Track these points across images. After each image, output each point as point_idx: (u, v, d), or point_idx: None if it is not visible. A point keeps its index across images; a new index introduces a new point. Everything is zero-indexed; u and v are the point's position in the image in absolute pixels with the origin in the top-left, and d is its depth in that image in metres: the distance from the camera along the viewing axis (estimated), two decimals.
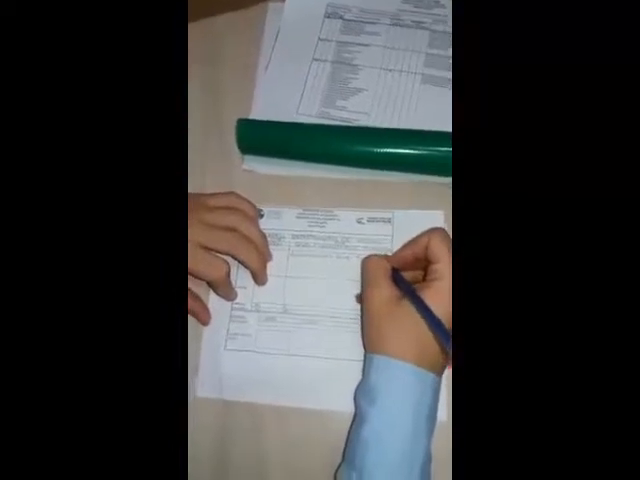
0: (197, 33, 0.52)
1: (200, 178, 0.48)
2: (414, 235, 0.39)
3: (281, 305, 0.43)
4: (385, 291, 0.37)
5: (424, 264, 0.38)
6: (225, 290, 0.42)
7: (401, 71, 0.51)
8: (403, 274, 0.39)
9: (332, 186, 0.46)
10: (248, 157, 0.48)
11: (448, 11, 0.53)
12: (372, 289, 0.38)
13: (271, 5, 0.54)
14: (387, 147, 0.45)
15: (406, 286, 0.37)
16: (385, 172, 0.46)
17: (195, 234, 0.39)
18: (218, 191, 0.44)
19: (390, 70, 0.51)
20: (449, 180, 0.43)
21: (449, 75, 0.50)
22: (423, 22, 0.53)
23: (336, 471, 0.37)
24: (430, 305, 0.34)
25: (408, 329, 0.35)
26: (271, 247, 0.44)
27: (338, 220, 0.45)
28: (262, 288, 0.43)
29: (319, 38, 0.53)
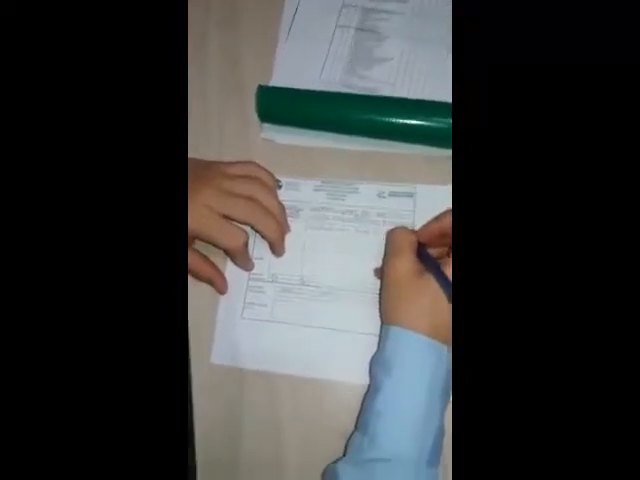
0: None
1: (217, 146, 0.47)
2: (437, 211, 0.38)
3: (298, 277, 0.43)
4: (408, 263, 0.37)
5: (450, 240, 0.38)
6: (242, 260, 0.42)
7: (428, 40, 0.50)
8: (429, 250, 0.38)
9: (353, 158, 0.46)
10: (267, 126, 0.48)
11: None
12: (395, 260, 0.38)
13: None
14: (412, 118, 0.43)
15: (431, 261, 0.37)
16: (408, 145, 0.45)
17: (214, 201, 0.39)
18: (236, 160, 0.44)
19: (416, 39, 0.50)
20: None
21: None
22: None
23: (348, 439, 0.37)
24: None
25: (427, 303, 0.35)
26: (289, 219, 0.43)
27: (358, 193, 0.44)
28: (279, 260, 0.43)
29: (343, 4, 0.52)
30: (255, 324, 0.42)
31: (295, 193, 0.45)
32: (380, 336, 0.38)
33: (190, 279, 0.42)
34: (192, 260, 0.41)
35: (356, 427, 0.37)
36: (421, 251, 0.38)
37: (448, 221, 0.37)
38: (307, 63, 0.50)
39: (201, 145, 0.47)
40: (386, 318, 0.37)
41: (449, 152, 0.44)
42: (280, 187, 0.44)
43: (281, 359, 0.41)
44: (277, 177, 0.44)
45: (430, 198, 0.43)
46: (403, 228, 0.40)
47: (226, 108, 0.49)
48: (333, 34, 0.51)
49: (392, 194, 0.44)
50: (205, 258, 0.42)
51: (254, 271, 0.43)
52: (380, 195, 0.44)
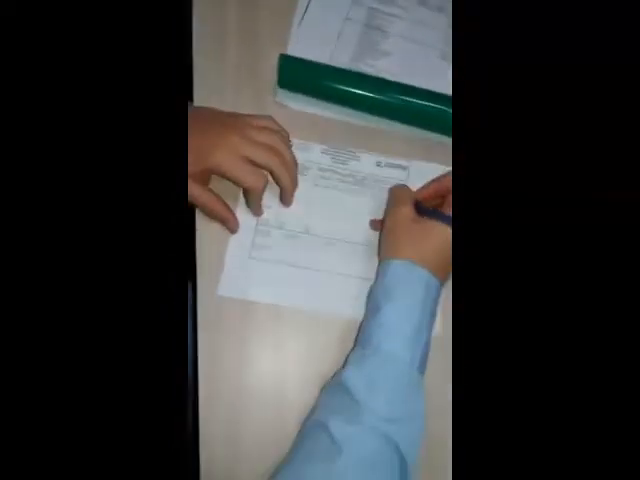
0: None
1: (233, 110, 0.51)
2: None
3: (303, 226, 0.48)
4: (406, 210, 0.44)
5: (440, 201, 0.45)
6: (257, 203, 0.47)
7: (424, 44, 0.57)
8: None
9: (356, 130, 0.52)
10: (281, 92, 0.52)
11: None
12: (395, 208, 0.45)
13: None
14: (415, 100, 0.50)
15: (426, 209, 0.44)
16: (407, 126, 0.52)
17: (240, 145, 0.43)
18: None
19: (415, 42, 0.57)
20: None
21: None
22: (444, 7, 0.59)
23: (348, 355, 0.43)
24: None
25: (424, 240, 0.43)
26: (298, 176, 0.49)
27: (358, 160, 0.51)
28: (287, 210, 0.49)
29: (352, 1, 0.58)
30: (262, 263, 0.47)
31: (304, 154, 0.50)
32: (378, 272, 0.45)
33: (203, 218, 0.46)
34: (207, 199, 0.44)
35: (355, 345, 0.43)
36: (417, 204, 0.45)
37: (446, 183, 0.45)
38: (317, 49, 0.54)
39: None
40: (386, 255, 0.44)
41: (440, 138, 0.51)
42: (291, 147, 0.49)
43: (284, 293, 0.47)
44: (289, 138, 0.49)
45: (421, 173, 0.50)
46: (403, 185, 0.47)
47: (242, 76, 0.53)
48: (342, 26, 0.57)
49: (388, 165, 0.51)
50: (219, 198, 0.45)
51: (263, 217, 0.48)
52: (378, 164, 0.51)
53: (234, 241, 0.47)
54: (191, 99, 0.51)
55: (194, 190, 0.43)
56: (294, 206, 0.49)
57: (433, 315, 0.42)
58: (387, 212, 0.46)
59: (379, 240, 0.47)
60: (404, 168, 0.51)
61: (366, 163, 0.50)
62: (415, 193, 0.47)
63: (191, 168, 0.42)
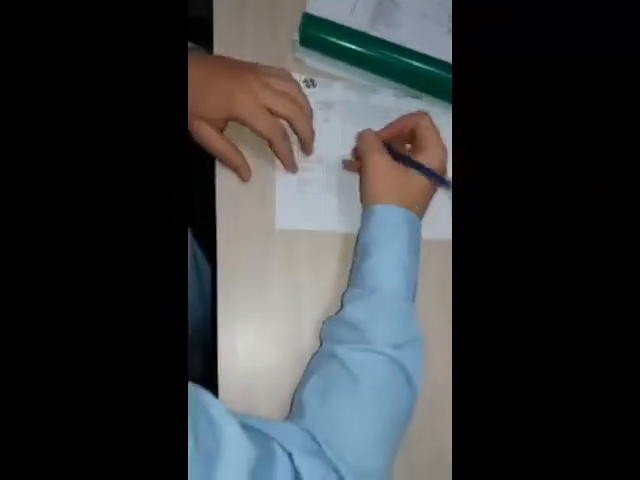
0: None
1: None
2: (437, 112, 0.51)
3: (339, 156, 0.54)
4: (383, 156, 0.47)
5: (406, 139, 0.50)
6: (285, 150, 0.48)
7: (432, 19, 0.63)
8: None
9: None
10: (300, 49, 0.54)
11: None
12: (371, 154, 0.48)
13: None
14: (427, 65, 0.55)
15: (401, 154, 0.48)
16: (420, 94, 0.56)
17: (259, 92, 0.44)
18: None
19: (424, 16, 0.63)
20: None
21: None
22: None
23: (343, 294, 0.47)
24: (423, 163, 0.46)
25: (402, 184, 0.47)
26: (324, 111, 0.54)
27: (378, 94, 0.56)
28: (324, 144, 0.52)
29: None
30: (310, 196, 0.52)
31: (328, 90, 0.55)
32: (362, 217, 0.49)
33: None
34: (222, 147, 0.46)
35: (349, 285, 0.48)
36: (388, 146, 0.49)
37: (410, 123, 0.49)
38: (336, 11, 0.56)
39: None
40: (370, 201, 0.48)
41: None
42: (315, 85, 0.54)
43: (335, 220, 0.52)
44: (312, 77, 0.53)
45: (434, 103, 0.55)
46: (370, 130, 0.51)
47: (261, 33, 0.55)
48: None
49: (405, 95, 0.56)
50: (233, 146, 0.47)
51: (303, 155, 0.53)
52: (396, 95, 0.56)
53: (281, 177, 0.51)
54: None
55: (211, 136, 0.45)
56: (329, 139, 0.53)
57: (418, 248, 0.47)
58: (362, 158, 0.48)
59: (359, 185, 0.50)
60: (419, 97, 0.56)
61: (385, 95, 0.56)
62: (382, 134, 0.50)
63: (212, 114, 0.44)
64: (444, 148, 0.47)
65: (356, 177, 0.52)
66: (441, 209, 0.50)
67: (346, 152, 0.53)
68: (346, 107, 0.56)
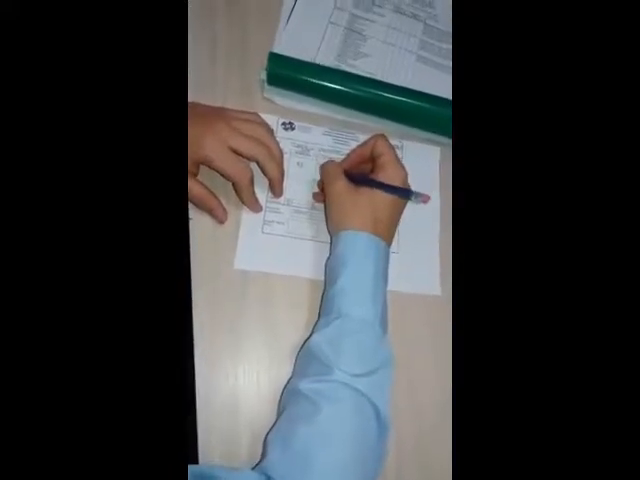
0: None
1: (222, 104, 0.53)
2: (418, 161, 0.51)
3: (310, 202, 0.51)
4: (341, 183, 0.47)
5: (369, 166, 0.50)
6: (248, 196, 0.48)
7: (400, 48, 0.62)
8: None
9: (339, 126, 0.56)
10: (269, 88, 0.54)
11: (438, 11, 0.66)
12: (331, 182, 0.48)
13: None
14: (396, 95, 0.54)
15: (359, 176, 0.48)
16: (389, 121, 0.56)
17: (227, 136, 0.45)
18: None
19: (392, 45, 0.62)
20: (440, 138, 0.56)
21: (439, 60, 0.62)
22: (419, 15, 0.65)
23: (313, 326, 0.46)
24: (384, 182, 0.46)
25: (363, 208, 0.46)
26: (300, 157, 0.52)
27: (357, 141, 0.55)
28: (294, 188, 0.51)
29: (335, 6, 0.63)
30: (274, 237, 0.49)
31: (306, 135, 0.54)
32: (331, 245, 0.48)
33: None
34: (197, 190, 0.46)
35: (319, 316, 0.46)
36: (348, 174, 0.48)
37: (367, 147, 0.49)
38: (302, 50, 0.57)
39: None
40: (335, 229, 0.47)
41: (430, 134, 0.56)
42: (294, 129, 0.52)
43: (296, 264, 0.49)
44: (289, 120, 0.52)
45: (414, 151, 0.55)
46: (331, 160, 0.51)
47: (231, 75, 0.55)
48: (326, 28, 0.61)
49: None
50: (207, 189, 0.47)
51: (271, 197, 0.51)
52: None
53: (246, 218, 0.49)
54: None
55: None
56: (300, 184, 0.52)
57: (385, 274, 0.46)
58: (325, 189, 0.49)
59: (325, 216, 0.50)
60: (398, 148, 0.55)
61: None
62: (344, 163, 0.50)
63: None
64: (402, 166, 0.47)
65: (324, 222, 0.50)
66: (431, 266, 0.51)
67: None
68: (322, 152, 0.54)
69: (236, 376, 0.45)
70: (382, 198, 0.46)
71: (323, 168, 0.50)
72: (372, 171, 0.48)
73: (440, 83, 0.55)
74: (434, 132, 0.56)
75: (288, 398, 0.42)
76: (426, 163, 0.56)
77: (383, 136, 0.49)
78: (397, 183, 0.46)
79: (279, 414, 0.43)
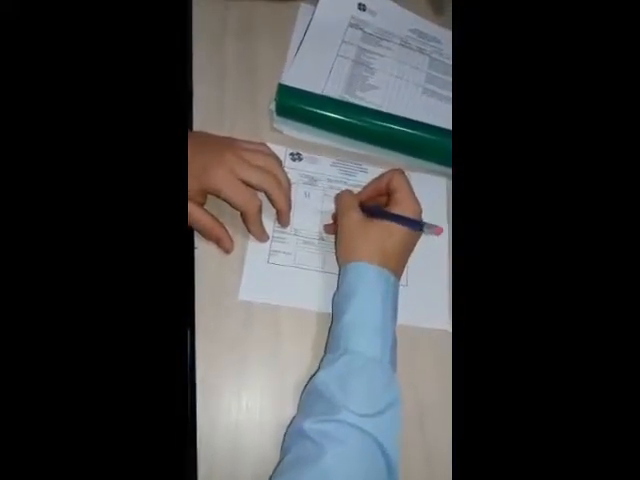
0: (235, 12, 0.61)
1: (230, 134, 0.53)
2: (425, 192, 0.50)
3: (317, 232, 0.51)
4: (355, 214, 0.47)
5: (384, 199, 0.49)
6: (256, 226, 0.48)
7: (407, 80, 0.63)
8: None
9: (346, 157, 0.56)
10: (279, 119, 0.55)
11: (443, 45, 0.66)
12: (345, 213, 0.47)
13: (302, 5, 0.64)
14: (403, 127, 0.55)
15: (373, 207, 0.48)
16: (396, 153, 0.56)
17: (236, 166, 0.45)
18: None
19: (399, 78, 0.63)
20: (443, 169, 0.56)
21: (444, 92, 0.62)
22: (424, 49, 0.66)
23: (320, 361, 0.45)
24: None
25: (374, 240, 0.45)
26: (308, 187, 0.52)
27: (366, 172, 0.55)
28: (301, 218, 0.51)
29: (343, 40, 0.63)
30: (279, 268, 0.48)
31: (314, 166, 0.54)
32: (339, 276, 0.47)
33: None
34: (204, 220, 0.46)
35: (325, 352, 0.45)
36: (362, 206, 0.48)
37: (384, 181, 0.49)
38: (310, 82, 0.58)
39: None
40: (344, 260, 0.46)
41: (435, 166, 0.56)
42: (302, 159, 0.52)
43: (302, 296, 0.48)
44: (297, 150, 0.52)
45: (422, 182, 0.54)
46: (347, 190, 0.51)
47: (240, 105, 0.56)
48: (334, 61, 0.62)
49: None
50: (214, 218, 0.46)
51: (278, 227, 0.50)
52: None
53: (252, 248, 0.49)
54: (191, 126, 0.53)
55: (191, 210, 0.45)
56: (307, 215, 0.51)
57: (394, 309, 0.45)
58: (338, 220, 0.48)
59: (335, 247, 0.50)
60: None
61: (374, 174, 0.53)
62: (358, 196, 0.50)
63: (190, 188, 0.44)
64: (417, 202, 0.47)
65: (331, 253, 0.50)
66: (440, 300, 0.51)
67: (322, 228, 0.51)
68: (330, 183, 0.54)
69: (239, 410, 0.44)
70: (394, 231, 0.45)
71: (338, 198, 0.50)
72: (387, 204, 0.47)
73: (446, 115, 0.54)
74: (440, 163, 0.56)
75: (292, 439, 0.41)
76: (433, 194, 0.55)
77: (400, 171, 0.48)
78: (411, 216, 0.46)
79: (282, 455, 0.41)
